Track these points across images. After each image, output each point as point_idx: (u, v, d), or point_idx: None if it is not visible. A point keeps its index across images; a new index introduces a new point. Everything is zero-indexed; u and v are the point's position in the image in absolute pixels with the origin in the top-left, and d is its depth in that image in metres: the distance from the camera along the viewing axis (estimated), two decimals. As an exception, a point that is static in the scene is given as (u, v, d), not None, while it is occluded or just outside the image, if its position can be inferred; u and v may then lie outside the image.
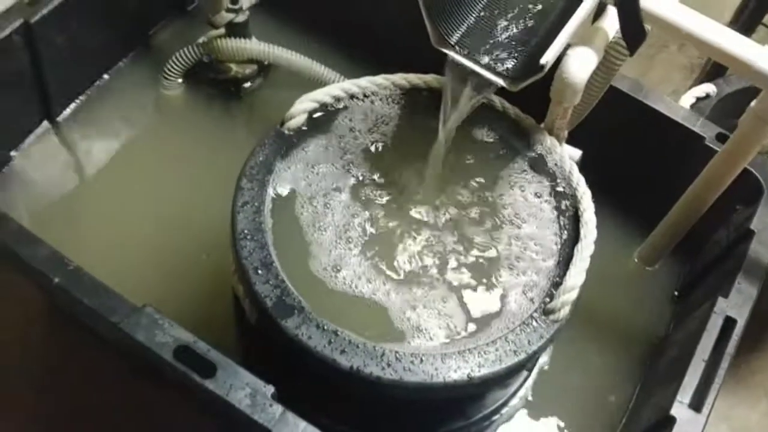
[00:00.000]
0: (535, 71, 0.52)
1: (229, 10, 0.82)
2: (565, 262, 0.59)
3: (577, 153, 0.68)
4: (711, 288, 0.70)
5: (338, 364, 0.52)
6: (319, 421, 0.52)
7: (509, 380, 0.63)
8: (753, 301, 0.64)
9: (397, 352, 0.53)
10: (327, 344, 0.52)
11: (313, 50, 0.85)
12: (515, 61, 0.54)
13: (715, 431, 0.89)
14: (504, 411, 0.67)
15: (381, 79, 0.66)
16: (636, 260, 0.80)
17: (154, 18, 0.88)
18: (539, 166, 0.64)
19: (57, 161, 0.81)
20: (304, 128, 0.63)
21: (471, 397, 0.62)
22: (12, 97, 0.74)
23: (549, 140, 0.65)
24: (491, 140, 0.65)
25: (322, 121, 0.64)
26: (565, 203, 0.62)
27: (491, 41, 0.55)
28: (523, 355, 0.54)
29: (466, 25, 0.55)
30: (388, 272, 0.58)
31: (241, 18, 0.83)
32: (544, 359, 0.72)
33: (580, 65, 0.59)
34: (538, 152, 0.64)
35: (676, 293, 0.79)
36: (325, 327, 0.53)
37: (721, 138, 0.72)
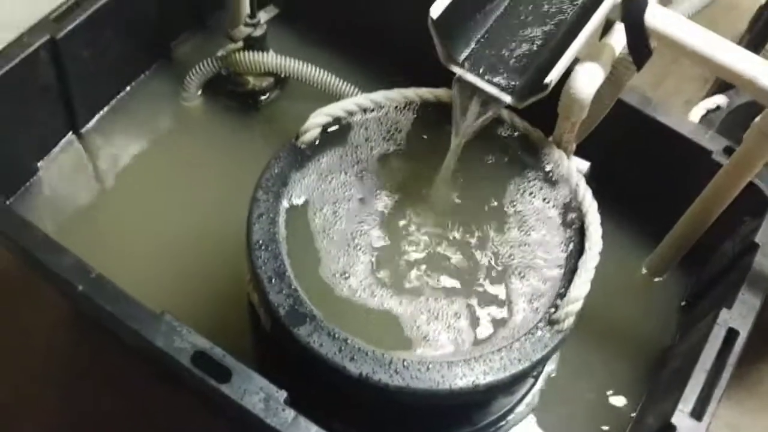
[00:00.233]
0: (540, 89, 0.54)
1: (247, 25, 0.84)
2: (570, 273, 0.60)
3: (585, 165, 0.69)
4: (716, 299, 0.71)
5: (348, 371, 0.54)
6: (330, 426, 0.54)
7: (514, 388, 0.65)
8: (756, 312, 0.65)
9: (404, 359, 0.55)
10: (337, 351, 0.54)
11: (329, 63, 0.87)
12: (521, 78, 0.55)
13: None
14: (510, 418, 0.69)
15: (393, 93, 0.67)
16: (644, 271, 0.81)
17: (174, 32, 0.90)
18: (547, 178, 0.65)
19: (81, 171, 0.83)
20: (318, 142, 0.65)
21: (477, 404, 0.63)
22: (39, 110, 0.77)
23: (557, 153, 0.66)
24: (500, 153, 0.67)
25: (335, 134, 0.66)
26: (571, 215, 0.64)
27: (498, 59, 0.56)
28: (527, 364, 0.56)
29: (473, 43, 0.57)
30: (398, 282, 0.60)
31: (258, 32, 0.85)
32: (551, 367, 0.74)
33: (587, 81, 0.61)
34: (546, 165, 0.66)
35: (683, 303, 0.80)
36: (336, 335, 0.55)
37: (728, 151, 0.73)
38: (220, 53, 0.87)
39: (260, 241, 0.59)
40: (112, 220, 0.81)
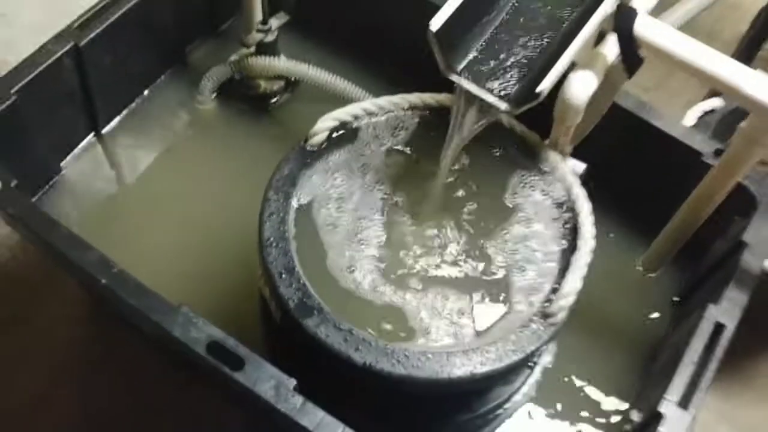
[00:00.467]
0: (533, 97, 0.57)
1: (259, 31, 0.87)
2: (564, 269, 0.63)
3: (581, 166, 0.72)
4: (707, 295, 0.74)
5: (352, 360, 0.57)
6: (336, 412, 0.57)
7: (510, 377, 0.68)
8: (742, 308, 0.68)
9: (406, 350, 0.58)
10: (343, 341, 0.58)
11: (337, 67, 0.89)
12: (516, 87, 0.59)
13: (717, 430, 0.93)
14: (508, 406, 0.72)
15: (397, 98, 0.71)
16: (639, 267, 0.84)
17: (189, 38, 0.93)
18: (543, 179, 0.68)
19: (101, 171, 0.86)
20: (326, 144, 0.68)
21: (475, 392, 0.67)
22: (62, 114, 0.80)
23: (553, 156, 0.70)
24: (498, 155, 0.70)
25: (342, 137, 0.69)
26: (565, 215, 0.67)
27: (495, 68, 0.60)
28: (521, 355, 0.59)
29: (471, 53, 0.60)
30: (400, 276, 0.63)
31: (270, 38, 0.88)
32: (548, 359, 0.77)
33: (581, 88, 0.64)
34: (543, 167, 0.69)
35: (676, 299, 0.82)
36: (341, 326, 0.58)
37: (719, 153, 0.76)
38: (233, 58, 0.90)
39: (271, 239, 0.63)
40: (130, 217, 0.84)
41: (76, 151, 0.85)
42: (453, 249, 0.65)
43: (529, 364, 0.73)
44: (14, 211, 0.65)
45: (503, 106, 0.58)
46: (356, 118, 0.70)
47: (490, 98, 0.58)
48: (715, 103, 0.98)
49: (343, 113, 0.69)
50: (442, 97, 0.70)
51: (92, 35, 0.76)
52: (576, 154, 0.72)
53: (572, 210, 0.67)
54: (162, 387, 0.84)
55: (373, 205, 0.67)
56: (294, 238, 0.63)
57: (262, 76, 0.90)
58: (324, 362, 0.59)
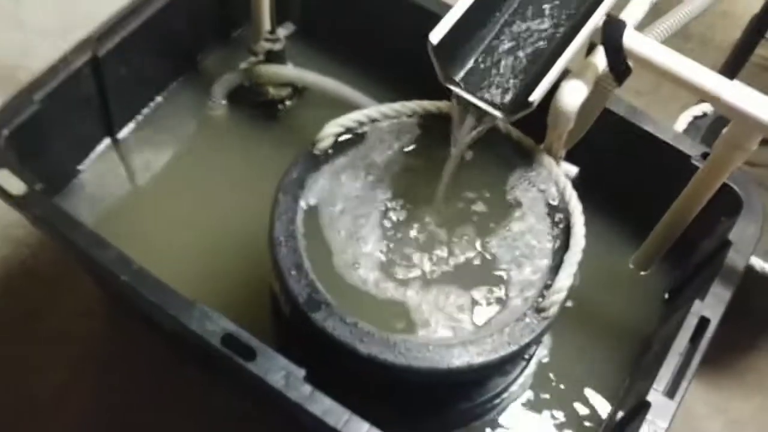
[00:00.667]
0: (526, 106, 0.61)
1: (267, 40, 0.90)
2: (556, 267, 0.67)
3: (574, 169, 0.76)
4: (694, 291, 0.77)
5: (358, 351, 0.61)
6: (343, 399, 0.61)
7: (506, 368, 0.72)
8: (726, 303, 0.71)
9: (407, 341, 0.62)
10: (348, 334, 0.62)
11: (341, 74, 0.92)
12: (510, 96, 0.63)
13: (712, 424, 0.95)
14: (505, 396, 0.76)
15: (399, 105, 0.74)
16: (631, 265, 0.88)
17: (201, 46, 0.96)
18: (537, 182, 0.72)
19: (116, 174, 0.89)
20: (332, 149, 0.72)
21: (473, 382, 0.71)
22: (81, 119, 0.83)
23: (547, 159, 0.73)
24: (496, 159, 0.73)
25: (347, 142, 0.72)
26: (558, 216, 0.70)
27: (490, 79, 0.63)
28: (515, 347, 0.63)
29: (469, 64, 0.64)
30: (402, 272, 0.67)
31: (278, 46, 0.91)
32: (543, 352, 0.81)
33: (572, 96, 0.67)
34: (537, 170, 0.73)
35: (666, 296, 0.86)
36: (347, 320, 0.62)
37: (706, 156, 0.80)
38: (242, 66, 0.93)
39: (281, 238, 0.66)
40: (144, 217, 0.87)
41: (92, 154, 0.88)
42: (453, 247, 0.69)
43: (525, 356, 0.77)
44: (40, 213, 0.68)
45: (498, 114, 0.62)
46: (360, 124, 0.73)
47: (486, 107, 0.62)
48: (706, 107, 1.01)
49: (348, 120, 0.73)
50: (442, 104, 0.74)
51: (110, 46, 0.80)
52: (569, 157, 0.76)
53: (565, 211, 0.71)
54: (176, 381, 0.87)
55: (377, 205, 0.70)
56: (302, 237, 0.67)
57: (270, 83, 0.93)
58: (331, 353, 0.63)
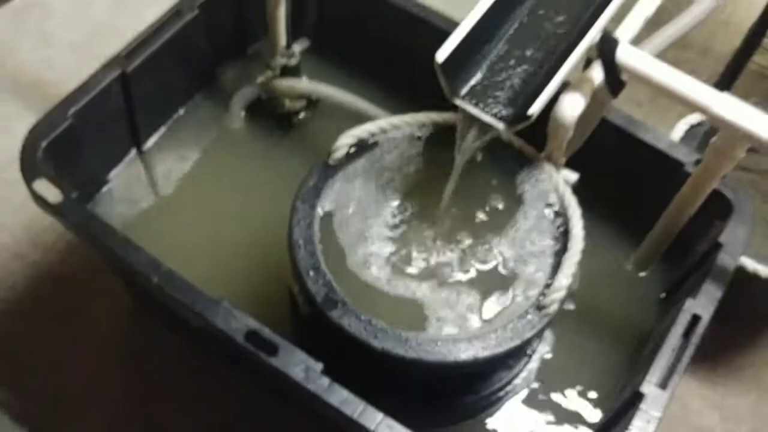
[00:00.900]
0: (526, 119, 0.66)
1: (283, 55, 0.94)
2: (556, 267, 0.71)
3: (573, 176, 0.80)
4: (688, 291, 0.81)
5: (372, 346, 0.65)
6: (357, 391, 0.65)
7: (510, 362, 0.77)
8: (717, 301, 0.75)
9: (418, 337, 0.66)
10: (363, 330, 0.66)
11: (354, 86, 0.96)
12: (512, 109, 0.67)
13: (709, 419, 0.99)
14: (509, 389, 0.81)
15: (408, 117, 0.79)
16: (630, 267, 0.91)
17: (220, 61, 1.00)
18: (539, 188, 0.76)
19: (142, 182, 0.93)
20: (345, 159, 0.76)
21: (479, 375, 0.76)
22: (110, 132, 0.88)
23: (547, 167, 0.78)
24: (500, 166, 0.78)
25: (360, 152, 0.77)
26: (559, 219, 0.75)
27: (493, 93, 0.68)
28: (518, 341, 0.67)
29: (473, 80, 0.69)
30: (413, 273, 0.71)
31: (293, 61, 0.95)
32: (546, 349, 0.85)
33: (571, 108, 0.72)
34: (538, 177, 0.77)
35: (663, 295, 0.90)
36: (362, 317, 0.67)
37: (699, 163, 0.84)
38: (259, 80, 0.96)
39: (300, 241, 0.71)
40: (168, 222, 0.92)
41: (120, 164, 0.92)
42: (460, 248, 0.74)
43: (527, 352, 0.81)
44: (76, 219, 0.74)
45: (500, 126, 0.67)
46: (372, 134, 0.78)
47: (489, 119, 0.67)
48: (702, 116, 1.05)
49: (360, 131, 0.78)
50: (448, 116, 0.78)
51: (137, 63, 0.84)
52: (569, 164, 0.80)
53: (565, 214, 0.75)
54: (198, 380, 0.92)
55: (387, 207, 0.75)
56: (319, 241, 0.71)
57: (286, 96, 0.97)
58: (347, 348, 0.67)
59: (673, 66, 1.35)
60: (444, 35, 0.68)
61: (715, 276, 0.77)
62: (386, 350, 0.66)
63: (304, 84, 0.97)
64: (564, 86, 0.72)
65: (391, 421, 0.65)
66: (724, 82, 1.13)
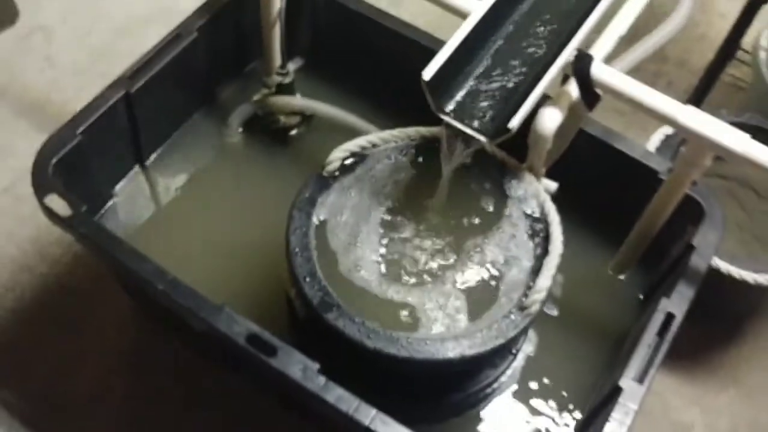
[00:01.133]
0: (506, 132, 0.71)
1: (278, 74, 0.99)
2: (537, 270, 0.76)
3: (553, 185, 0.85)
4: (664, 292, 0.86)
5: (365, 346, 0.70)
6: (352, 388, 0.69)
7: (495, 360, 0.81)
8: (690, 300, 0.79)
9: (408, 337, 0.71)
10: (357, 331, 0.70)
11: (345, 103, 1.01)
12: (493, 123, 0.72)
13: (688, 414, 1.04)
14: (495, 386, 0.85)
15: (398, 131, 0.83)
16: (610, 271, 0.96)
17: (218, 79, 1.04)
18: (520, 197, 0.81)
19: (146, 196, 0.98)
20: (338, 171, 0.81)
21: (466, 372, 0.80)
22: (115, 149, 0.93)
23: (528, 177, 0.82)
24: (483, 177, 0.82)
25: (352, 165, 0.81)
26: (539, 226, 0.79)
27: (476, 108, 0.73)
28: (502, 340, 0.72)
29: (458, 96, 0.73)
30: (404, 278, 0.76)
31: (287, 79, 0.99)
32: (530, 348, 0.90)
33: (549, 121, 0.76)
34: (520, 186, 0.81)
35: (641, 296, 0.94)
36: (356, 319, 0.71)
37: (671, 171, 0.89)
38: (256, 97, 1.01)
39: (296, 249, 0.75)
40: (170, 233, 0.96)
41: (125, 179, 0.97)
42: (446, 254, 0.78)
43: (512, 351, 0.86)
44: (85, 231, 0.78)
45: (483, 138, 0.72)
46: (364, 148, 0.82)
47: (472, 133, 0.72)
48: (676, 127, 1.10)
49: (352, 145, 0.82)
50: (435, 130, 0.82)
51: (140, 83, 0.89)
52: (550, 174, 0.85)
53: (545, 221, 0.79)
54: (201, 386, 0.96)
55: (381, 217, 0.79)
56: (315, 248, 0.76)
57: (281, 112, 1.01)
58: (342, 348, 0.71)
59: (653, 78, 1.41)
60: (430, 54, 0.73)
61: (688, 277, 0.82)
62: (379, 349, 0.70)
63: (298, 101, 1.02)
64: (543, 100, 0.76)
65: (384, 416, 0.69)
66: (699, 93, 1.18)
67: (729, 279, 0.97)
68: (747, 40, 1.16)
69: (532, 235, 0.79)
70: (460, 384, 0.82)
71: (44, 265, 1.05)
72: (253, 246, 0.94)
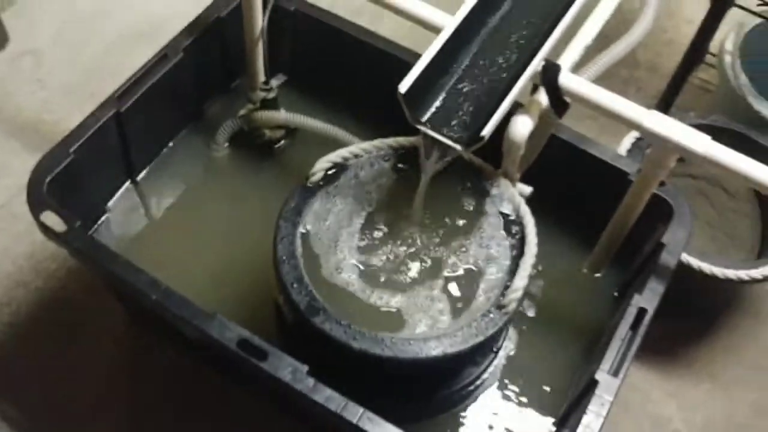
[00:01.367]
0: (479, 140, 0.74)
1: (262, 90, 1.02)
2: (513, 271, 0.80)
3: (527, 189, 0.88)
4: (637, 288, 0.90)
5: (351, 347, 0.73)
6: (340, 389, 0.72)
7: (477, 358, 0.85)
8: (661, 295, 0.83)
9: (392, 337, 0.74)
10: (343, 333, 0.74)
11: (327, 116, 1.04)
12: (468, 131, 0.76)
13: (666, 407, 1.07)
14: (478, 383, 0.89)
15: (378, 142, 0.87)
16: (585, 269, 0.99)
17: (205, 96, 1.08)
18: (496, 201, 0.84)
19: (137, 210, 1.01)
20: (322, 182, 0.84)
21: (450, 370, 0.83)
22: (107, 166, 0.96)
23: (503, 182, 0.86)
24: (460, 183, 0.85)
25: (335, 175, 0.85)
26: (515, 228, 0.83)
27: (451, 118, 0.76)
28: (482, 338, 0.75)
29: (433, 107, 0.77)
30: (387, 281, 0.79)
31: (271, 95, 1.02)
32: (510, 346, 0.93)
33: (520, 128, 0.79)
34: (496, 191, 0.85)
35: (615, 294, 0.98)
36: (341, 322, 0.74)
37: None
38: (241, 113, 1.04)
39: (283, 257, 0.79)
40: (161, 246, 0.99)
41: (117, 194, 1.00)
42: (425, 257, 0.82)
43: (493, 348, 0.90)
44: (80, 246, 0.81)
45: (458, 147, 0.75)
46: (346, 159, 0.86)
47: (448, 141, 0.75)
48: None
49: (335, 156, 0.86)
50: (414, 139, 0.86)
51: (130, 102, 0.92)
52: (525, 179, 0.88)
53: (520, 224, 0.83)
54: (196, 391, 0.98)
55: (363, 224, 0.83)
56: (301, 256, 0.79)
57: (266, 126, 1.05)
58: (329, 350, 0.74)
59: (624, 83, 1.45)
60: (407, 67, 0.76)
61: (658, 273, 0.86)
62: (364, 350, 0.73)
63: (282, 115, 1.05)
64: (515, 109, 0.80)
65: (371, 414, 0.72)
66: (668, 97, 1.22)
67: (700, 275, 1.01)
68: (713, 44, 1.20)
69: (509, 237, 0.83)
70: (444, 382, 0.86)
71: (39, 280, 1.08)
72: (242, 255, 0.97)
